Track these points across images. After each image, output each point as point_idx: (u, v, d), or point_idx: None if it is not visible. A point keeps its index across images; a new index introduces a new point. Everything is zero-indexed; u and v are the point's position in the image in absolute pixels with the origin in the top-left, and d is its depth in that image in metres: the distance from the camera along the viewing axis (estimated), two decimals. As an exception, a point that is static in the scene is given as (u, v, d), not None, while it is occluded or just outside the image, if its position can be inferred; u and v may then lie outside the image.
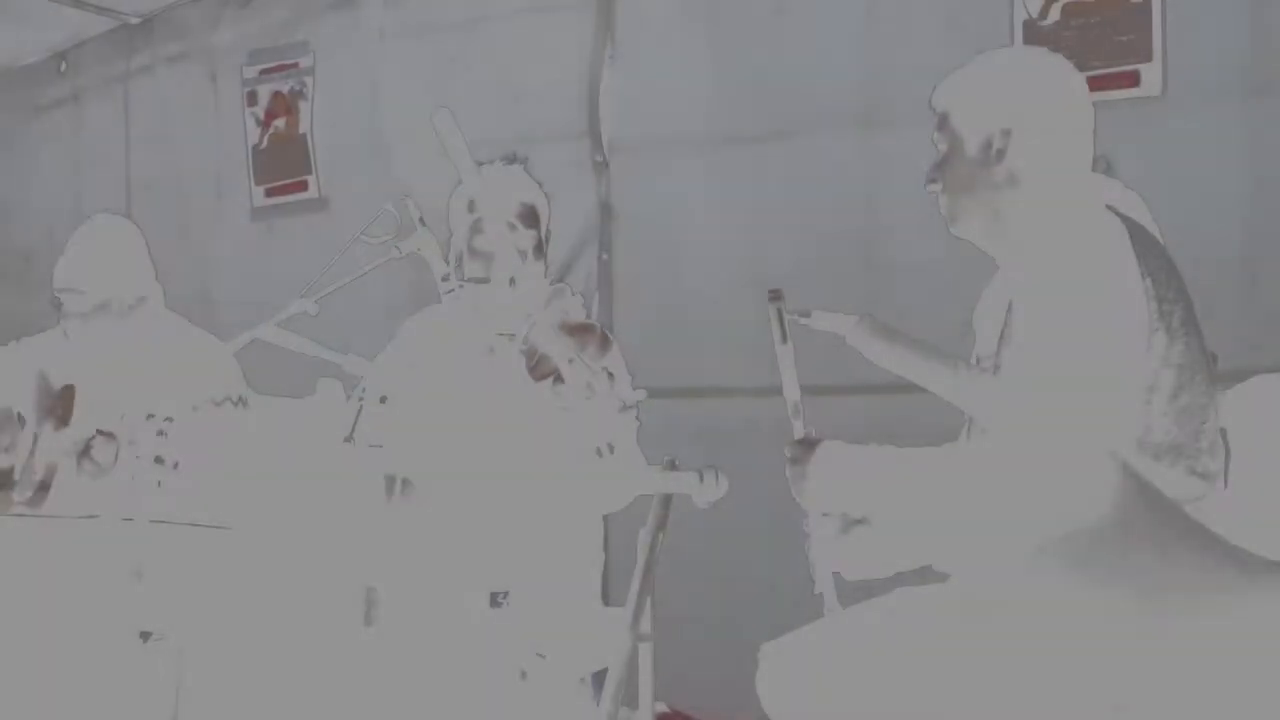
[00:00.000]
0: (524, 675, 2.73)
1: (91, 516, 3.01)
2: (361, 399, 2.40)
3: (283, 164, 5.37)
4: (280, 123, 5.35)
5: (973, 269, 2.50)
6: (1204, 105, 3.37)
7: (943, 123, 2.42)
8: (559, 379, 2.48)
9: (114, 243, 3.81)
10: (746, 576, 4.10)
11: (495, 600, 2.18)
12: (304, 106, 5.29)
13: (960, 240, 2.50)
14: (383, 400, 2.46)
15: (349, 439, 2.40)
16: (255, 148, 5.46)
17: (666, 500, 2.38)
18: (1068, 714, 1.98)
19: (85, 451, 3.47)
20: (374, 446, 2.45)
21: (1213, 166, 3.34)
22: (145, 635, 2.83)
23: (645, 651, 2.48)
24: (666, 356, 4.16)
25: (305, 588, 2.65)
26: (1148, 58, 3.44)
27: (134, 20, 5.90)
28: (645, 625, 2.41)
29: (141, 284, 3.81)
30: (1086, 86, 2.39)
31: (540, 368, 2.64)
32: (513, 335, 2.74)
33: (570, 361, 2.45)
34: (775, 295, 2.48)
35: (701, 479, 2.27)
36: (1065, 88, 2.37)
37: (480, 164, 3.13)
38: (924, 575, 2.43)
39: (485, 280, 3.00)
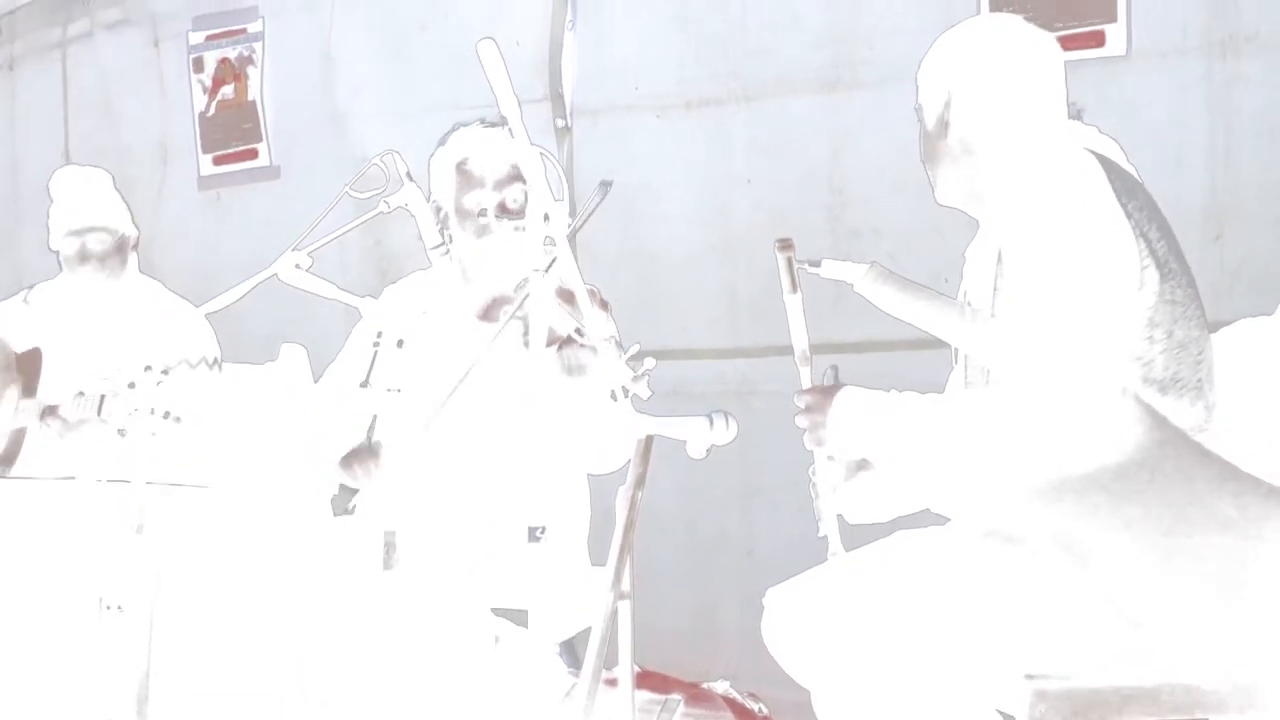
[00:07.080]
0: (497, 641, 2.72)
1: (68, 479, 2.97)
2: (377, 344, 2.38)
3: (231, 132, 5.26)
4: (228, 89, 5.25)
5: (937, 232, 2.54)
6: (1167, 64, 3.44)
7: (918, 100, 2.48)
8: (563, 346, 2.43)
9: (107, 184, 3.79)
10: (717, 536, 4.12)
11: (533, 535, 2.15)
12: (253, 73, 5.19)
13: (925, 202, 2.53)
14: (400, 345, 2.44)
15: (365, 383, 2.38)
16: (202, 115, 5.35)
17: (645, 457, 2.36)
18: (1085, 639, 2.02)
19: (51, 409, 3.42)
20: (391, 390, 2.42)
21: (1176, 124, 3.42)
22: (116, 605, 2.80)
23: (625, 610, 2.48)
24: (633, 318, 4.15)
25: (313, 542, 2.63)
26: (1112, 18, 3.49)
27: (70, -15, 5.77)
28: (626, 583, 2.40)
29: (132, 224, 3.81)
30: (1045, 43, 2.39)
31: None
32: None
33: (575, 330, 2.41)
34: (785, 245, 2.45)
35: (711, 424, 2.26)
36: (1010, 49, 2.38)
37: (457, 126, 3.12)
38: (920, 520, 2.47)
39: (521, 225, 2.89)
